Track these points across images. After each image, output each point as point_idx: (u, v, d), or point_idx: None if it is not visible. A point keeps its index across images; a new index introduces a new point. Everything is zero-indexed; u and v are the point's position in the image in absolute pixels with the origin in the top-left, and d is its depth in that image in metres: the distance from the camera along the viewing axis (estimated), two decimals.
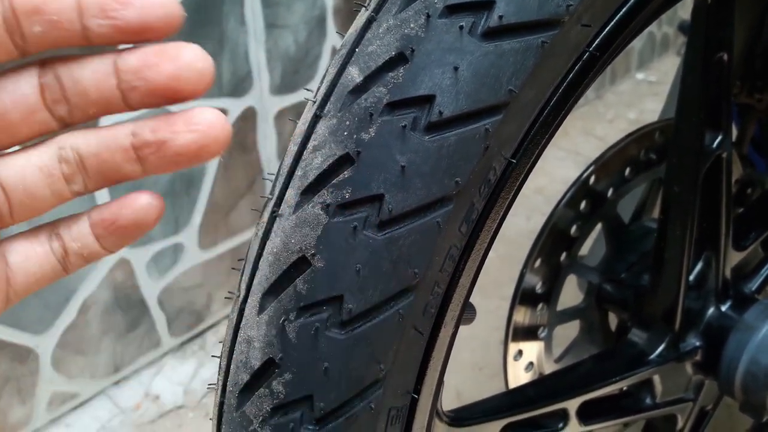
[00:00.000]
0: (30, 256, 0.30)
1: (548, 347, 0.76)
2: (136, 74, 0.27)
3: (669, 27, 2.80)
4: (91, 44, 0.26)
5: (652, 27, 2.64)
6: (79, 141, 0.29)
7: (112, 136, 0.29)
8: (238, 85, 1.25)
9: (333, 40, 1.38)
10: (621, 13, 0.38)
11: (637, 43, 2.63)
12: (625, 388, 0.66)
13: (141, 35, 0.26)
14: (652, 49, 2.76)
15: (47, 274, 0.30)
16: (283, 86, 1.33)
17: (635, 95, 2.57)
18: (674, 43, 2.86)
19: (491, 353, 1.27)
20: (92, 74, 0.27)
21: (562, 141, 2.11)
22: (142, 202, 0.29)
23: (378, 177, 0.32)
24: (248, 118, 1.29)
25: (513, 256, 1.11)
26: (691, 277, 0.66)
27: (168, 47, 0.26)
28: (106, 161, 0.29)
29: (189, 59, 0.26)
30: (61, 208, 0.29)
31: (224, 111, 1.26)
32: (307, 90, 0.36)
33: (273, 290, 0.33)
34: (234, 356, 0.34)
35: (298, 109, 1.38)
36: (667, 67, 2.74)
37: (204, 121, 0.27)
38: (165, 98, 0.27)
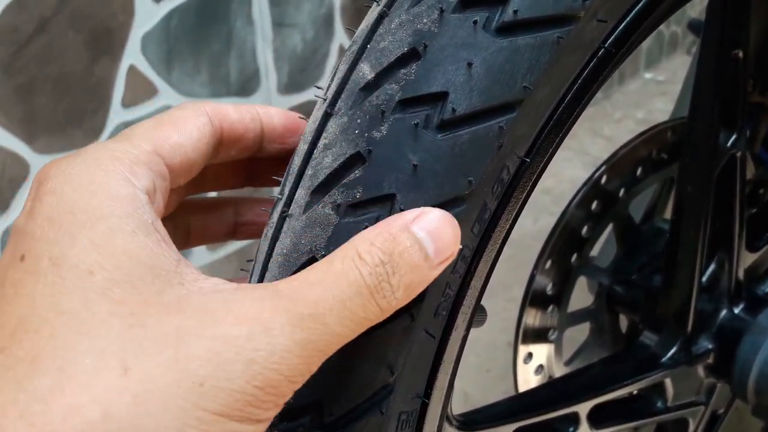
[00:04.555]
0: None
1: (558, 350, 0.75)
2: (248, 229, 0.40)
3: (677, 26, 2.78)
4: (257, 156, 0.37)
5: (660, 26, 2.63)
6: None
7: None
8: (245, 84, 1.25)
9: (341, 38, 1.37)
10: (637, 8, 0.37)
11: (645, 43, 2.61)
12: (636, 392, 0.66)
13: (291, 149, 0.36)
14: (660, 48, 2.75)
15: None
16: (290, 85, 1.32)
17: (643, 95, 2.55)
18: (683, 43, 2.84)
19: (498, 355, 1.26)
20: (215, 219, 0.39)
21: (570, 141, 2.10)
22: None
23: (390, 176, 0.31)
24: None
25: (519, 257, 1.10)
26: (704, 279, 0.65)
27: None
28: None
29: None
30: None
31: None
32: (317, 87, 0.35)
33: None
34: None
35: (305, 109, 1.37)
36: (676, 67, 2.73)
37: None
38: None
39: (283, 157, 0.38)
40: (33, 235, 0.25)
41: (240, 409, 0.24)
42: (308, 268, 0.28)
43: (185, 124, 0.32)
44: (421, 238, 0.28)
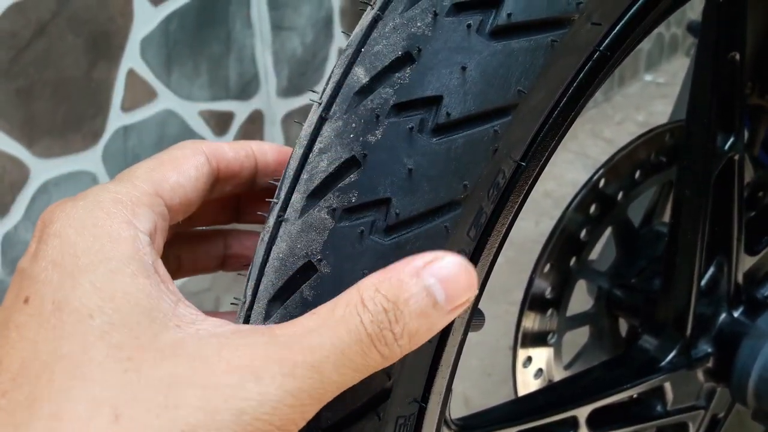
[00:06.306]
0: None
1: (558, 354, 0.75)
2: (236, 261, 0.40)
3: (677, 28, 2.78)
4: (252, 190, 0.37)
5: (661, 28, 2.63)
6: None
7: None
8: (244, 87, 1.25)
9: (340, 41, 1.37)
10: (632, 11, 0.37)
11: (646, 45, 2.62)
12: (635, 396, 0.65)
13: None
14: (660, 50, 2.75)
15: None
16: (290, 89, 1.32)
17: (644, 97, 2.56)
18: (683, 45, 2.84)
19: (500, 359, 1.26)
20: (205, 252, 0.40)
21: (571, 143, 2.10)
22: None
23: (385, 180, 0.31)
24: (255, 121, 1.29)
25: (521, 260, 1.10)
26: (703, 283, 0.65)
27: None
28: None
29: None
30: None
31: (231, 114, 1.26)
32: (313, 92, 0.35)
33: (279, 296, 0.32)
34: None
35: (305, 112, 1.37)
36: (676, 69, 2.73)
37: None
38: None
39: (272, 192, 0.38)
40: (37, 278, 0.26)
41: None
42: (310, 312, 0.28)
43: (184, 164, 0.32)
44: (430, 284, 0.27)
